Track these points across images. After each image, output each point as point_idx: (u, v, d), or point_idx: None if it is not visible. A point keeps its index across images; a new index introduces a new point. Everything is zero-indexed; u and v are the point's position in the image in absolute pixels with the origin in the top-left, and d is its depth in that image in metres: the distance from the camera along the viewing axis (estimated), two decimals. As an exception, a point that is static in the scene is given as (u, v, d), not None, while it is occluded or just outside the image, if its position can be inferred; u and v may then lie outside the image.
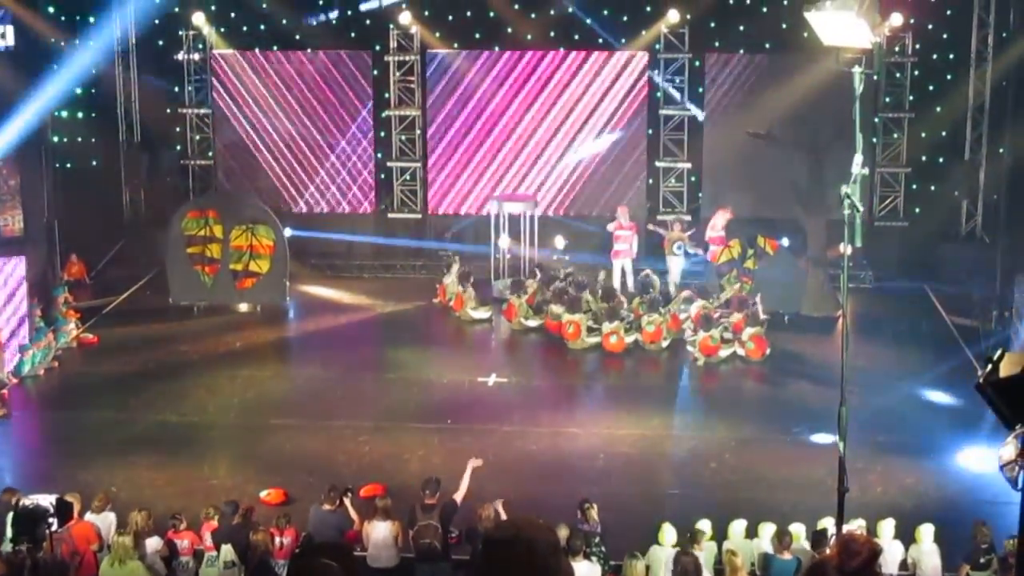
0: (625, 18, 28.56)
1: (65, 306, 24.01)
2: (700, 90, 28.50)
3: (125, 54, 29.29)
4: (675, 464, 17.83)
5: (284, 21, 28.80)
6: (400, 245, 29.09)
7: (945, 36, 27.95)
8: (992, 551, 13.42)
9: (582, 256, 27.11)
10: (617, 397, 20.96)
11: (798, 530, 13.75)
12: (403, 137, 29.25)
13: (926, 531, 13.79)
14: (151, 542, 13.78)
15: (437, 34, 28.99)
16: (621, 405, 20.32)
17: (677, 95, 28.37)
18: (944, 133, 28.31)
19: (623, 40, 28.57)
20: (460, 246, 27.82)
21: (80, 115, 29.20)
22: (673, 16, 27.71)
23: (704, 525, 13.94)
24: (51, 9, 27.89)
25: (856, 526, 12.60)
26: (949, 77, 28.04)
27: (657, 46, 28.33)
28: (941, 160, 28.46)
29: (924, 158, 28.40)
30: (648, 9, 28.32)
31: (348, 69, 29.21)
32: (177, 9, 28.71)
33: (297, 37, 29.15)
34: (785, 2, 26.91)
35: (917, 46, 27.65)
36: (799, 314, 24.08)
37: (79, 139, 28.95)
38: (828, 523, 12.84)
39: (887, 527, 13.85)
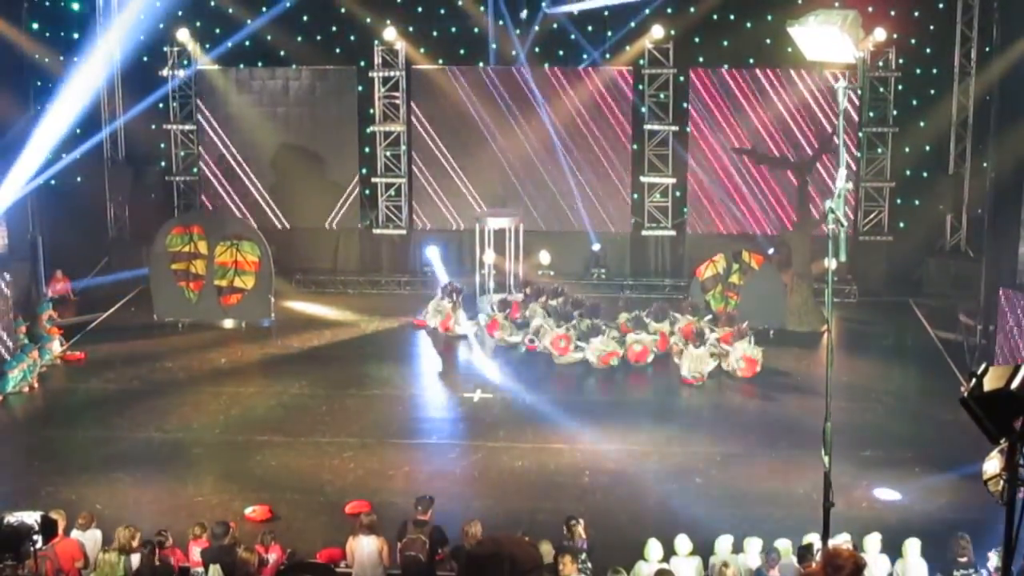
0: (610, 34, 28.62)
1: (49, 323, 23.94)
2: (685, 105, 28.55)
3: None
4: (661, 479, 17.78)
5: (269, 37, 28.77)
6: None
7: (928, 51, 28.09)
8: (972, 565, 13.40)
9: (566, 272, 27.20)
10: (602, 412, 20.87)
11: (784, 545, 13.74)
12: (388, 153, 29.25)
13: (912, 545, 13.78)
14: (136, 559, 13.72)
15: (422, 50, 29.00)
16: (606, 420, 20.26)
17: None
18: (928, 147, 28.44)
19: (608, 56, 28.65)
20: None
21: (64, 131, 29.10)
22: (657, 32, 27.80)
23: (683, 540, 13.93)
24: (35, 25, 27.84)
25: (842, 540, 12.58)
26: (932, 92, 28.16)
27: (642, 62, 28.40)
28: (925, 174, 28.55)
29: (908, 172, 28.51)
30: (632, 25, 28.36)
31: (333, 85, 29.23)
32: (162, 25, 28.68)
33: (282, 53, 29.15)
34: (769, 18, 27.00)
35: (900, 61, 27.77)
36: (784, 329, 24.13)
37: (63, 155, 28.86)
38: (814, 538, 12.82)
39: (873, 541, 13.84)
